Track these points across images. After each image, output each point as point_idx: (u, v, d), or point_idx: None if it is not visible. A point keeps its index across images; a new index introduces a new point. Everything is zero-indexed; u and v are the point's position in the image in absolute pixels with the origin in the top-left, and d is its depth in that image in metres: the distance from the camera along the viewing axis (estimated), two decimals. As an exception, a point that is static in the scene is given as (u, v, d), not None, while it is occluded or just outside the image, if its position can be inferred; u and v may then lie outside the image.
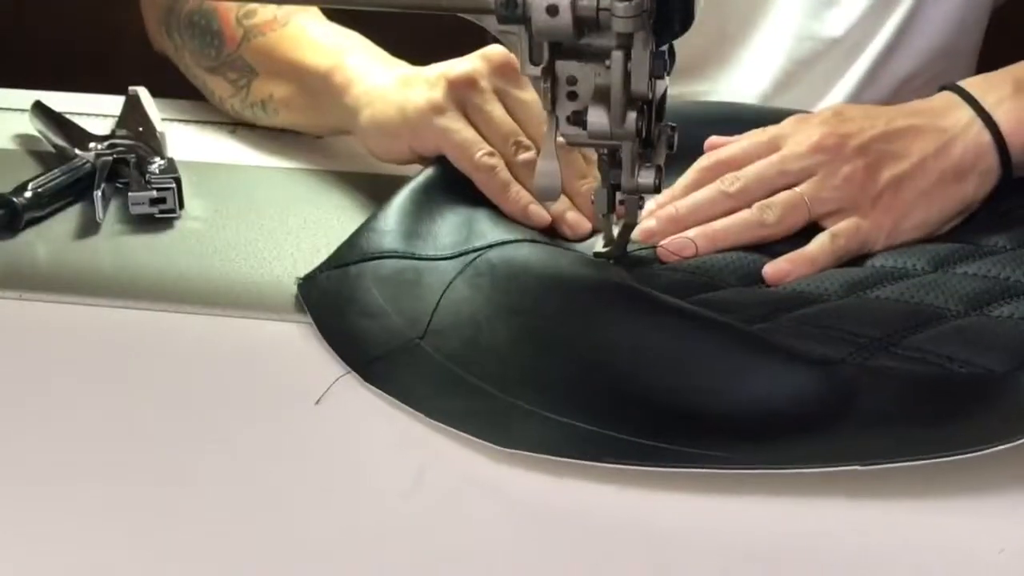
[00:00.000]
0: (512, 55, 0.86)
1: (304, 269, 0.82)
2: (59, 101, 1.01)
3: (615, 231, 0.81)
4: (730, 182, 0.83)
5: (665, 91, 0.75)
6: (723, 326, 0.70)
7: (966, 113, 0.85)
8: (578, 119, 0.72)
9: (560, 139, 0.73)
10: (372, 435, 0.70)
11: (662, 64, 0.71)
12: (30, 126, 1.00)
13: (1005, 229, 0.83)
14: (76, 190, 0.91)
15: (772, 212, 0.81)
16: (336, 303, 0.77)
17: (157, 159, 0.92)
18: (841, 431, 0.65)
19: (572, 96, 0.72)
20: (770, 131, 0.86)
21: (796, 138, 0.84)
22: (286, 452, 0.68)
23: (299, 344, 0.76)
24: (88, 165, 0.92)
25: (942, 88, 0.88)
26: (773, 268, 0.80)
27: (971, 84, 0.87)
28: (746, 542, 0.62)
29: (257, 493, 0.65)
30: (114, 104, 1.00)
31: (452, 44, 0.89)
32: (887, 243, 0.82)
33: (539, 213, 0.83)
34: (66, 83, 1.09)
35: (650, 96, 0.71)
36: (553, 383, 0.69)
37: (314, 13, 1.00)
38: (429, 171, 0.85)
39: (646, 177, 0.74)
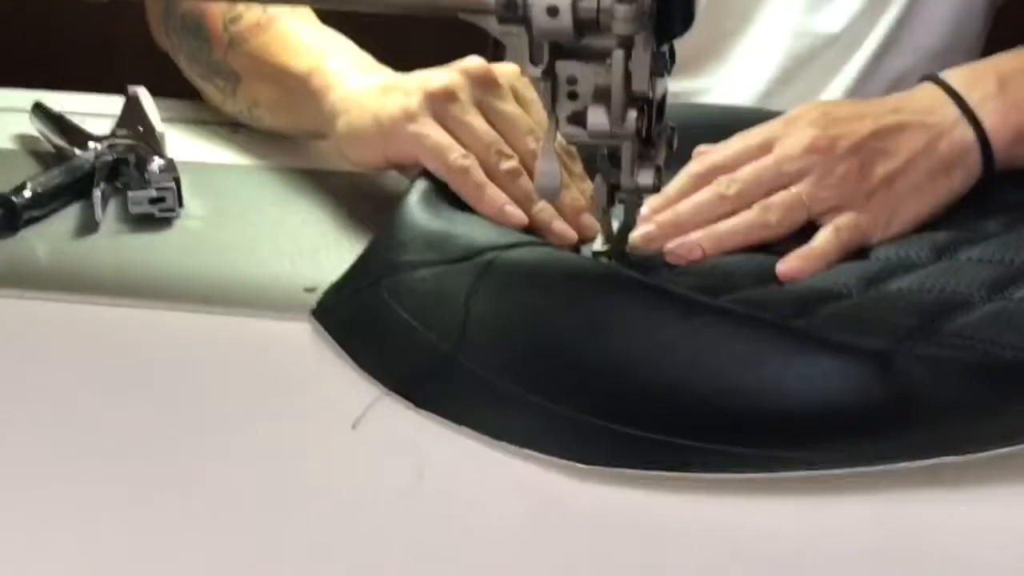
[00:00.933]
0: (491, 67, 0.86)
1: (303, 269, 0.83)
2: (59, 101, 1.01)
3: (614, 231, 0.81)
4: (727, 185, 0.83)
5: (665, 91, 0.75)
6: (768, 324, 0.70)
7: (952, 110, 0.86)
8: (578, 119, 0.72)
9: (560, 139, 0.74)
10: (372, 435, 0.70)
11: (663, 63, 0.71)
12: (30, 126, 1.00)
13: (991, 214, 0.85)
14: (75, 190, 0.91)
15: (774, 213, 0.82)
16: (359, 326, 0.75)
17: (157, 159, 0.92)
18: (906, 424, 0.65)
19: (572, 96, 0.72)
20: (760, 133, 0.86)
21: (788, 140, 0.84)
22: (285, 451, 0.68)
23: (299, 343, 0.76)
24: (88, 165, 0.92)
25: (924, 78, 0.89)
26: (787, 265, 0.80)
27: (955, 78, 0.88)
28: (745, 542, 0.62)
29: (256, 492, 0.65)
30: (114, 104, 1.00)
31: (452, 45, 0.89)
32: (883, 236, 0.83)
33: (515, 213, 0.82)
34: (66, 83, 1.09)
35: (650, 95, 0.71)
36: (599, 391, 0.68)
37: (302, 13, 1.00)
38: (422, 182, 0.84)
39: (645, 177, 0.75)
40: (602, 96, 0.70)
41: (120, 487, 0.65)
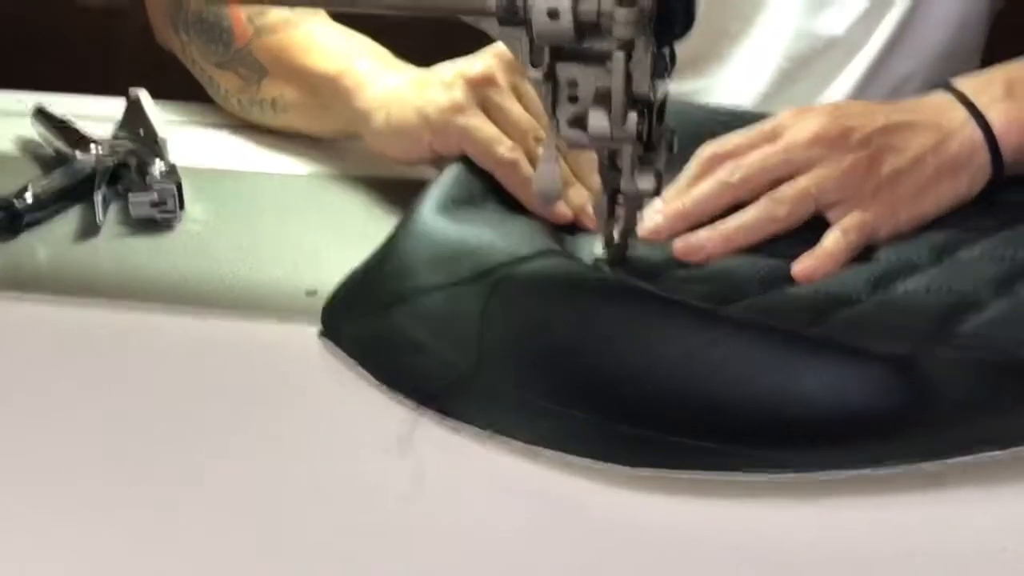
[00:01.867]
0: None
1: (304, 272, 0.83)
2: (60, 104, 1.01)
3: (615, 234, 0.81)
4: (731, 171, 0.83)
5: (666, 93, 0.75)
6: (788, 332, 0.70)
7: (961, 112, 0.87)
8: (579, 122, 0.72)
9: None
10: (372, 435, 0.70)
11: (663, 65, 0.71)
12: (31, 129, 1.00)
13: (987, 212, 0.85)
14: (76, 193, 0.91)
15: (782, 206, 0.81)
16: (375, 346, 0.75)
17: (158, 162, 0.92)
18: (927, 426, 0.65)
19: (573, 99, 0.72)
20: (768, 123, 0.86)
21: (796, 128, 0.84)
22: (286, 453, 0.68)
23: (299, 346, 0.76)
24: (89, 168, 0.91)
25: (934, 87, 0.90)
26: (801, 266, 0.80)
27: (964, 84, 0.89)
28: (745, 544, 0.62)
29: (256, 494, 0.65)
30: (115, 107, 1.00)
31: (452, 47, 0.89)
32: (887, 235, 0.83)
33: (560, 211, 0.83)
34: (67, 86, 1.09)
35: (651, 97, 0.71)
36: (624, 398, 0.68)
37: (322, 17, 1.01)
38: (442, 181, 0.84)
39: (646, 182, 0.74)
40: (603, 99, 0.70)
41: (120, 490, 0.65)
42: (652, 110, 0.73)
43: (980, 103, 0.87)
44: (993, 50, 0.94)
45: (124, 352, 0.76)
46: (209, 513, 0.64)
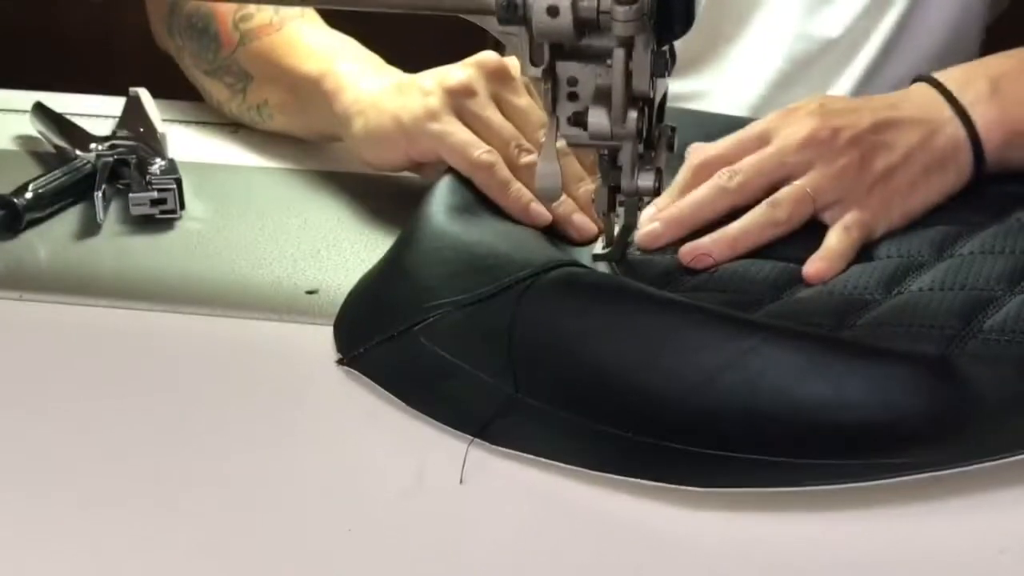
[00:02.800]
0: (506, 61, 0.87)
1: (304, 270, 0.83)
2: (60, 102, 1.01)
3: (615, 232, 0.81)
4: (728, 176, 0.83)
5: (665, 92, 0.75)
6: (820, 338, 0.69)
7: (945, 109, 0.86)
8: (579, 120, 0.72)
9: (561, 141, 0.73)
10: (372, 435, 0.70)
11: (663, 63, 0.71)
12: (31, 127, 1.00)
13: (977, 205, 0.85)
14: (77, 191, 0.91)
15: (782, 210, 0.81)
16: (402, 370, 0.73)
17: (158, 160, 0.92)
18: (971, 424, 0.65)
19: (573, 97, 0.72)
20: (757, 126, 0.86)
21: (787, 131, 0.84)
22: (286, 452, 0.68)
23: (299, 345, 0.76)
24: (89, 166, 0.92)
25: (917, 79, 0.90)
26: (814, 268, 0.79)
27: (948, 79, 0.88)
28: (745, 549, 0.62)
29: (257, 493, 0.65)
30: (115, 105, 1.00)
31: (452, 45, 0.89)
32: (883, 231, 0.83)
33: (540, 212, 0.83)
34: (67, 84, 1.09)
35: (651, 95, 0.71)
36: (660, 412, 0.67)
37: (311, 17, 1.00)
38: (440, 190, 0.83)
39: (646, 179, 0.74)
40: (603, 97, 0.70)
41: (120, 488, 0.65)
42: (652, 108, 0.73)
43: (965, 100, 0.87)
44: (992, 50, 0.94)
45: (124, 350, 0.76)
46: (209, 511, 0.64)
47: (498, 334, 0.71)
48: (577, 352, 0.69)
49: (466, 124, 0.85)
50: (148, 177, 0.90)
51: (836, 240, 0.81)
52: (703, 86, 1.11)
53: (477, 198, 0.83)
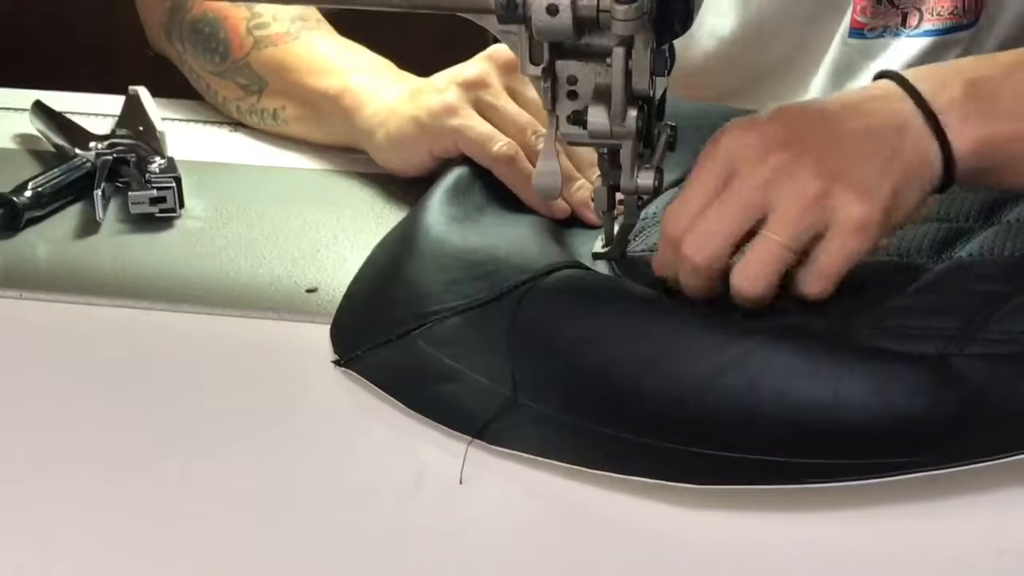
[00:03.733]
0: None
1: (304, 269, 0.83)
2: (59, 100, 1.01)
3: (615, 230, 0.81)
4: (697, 250, 0.73)
5: (665, 91, 0.75)
6: (820, 339, 0.69)
7: (917, 119, 0.75)
8: (578, 118, 0.72)
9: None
10: (372, 435, 0.70)
11: (663, 62, 0.71)
12: (30, 126, 1.00)
13: (964, 206, 0.83)
14: (76, 189, 0.91)
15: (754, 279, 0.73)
16: (402, 374, 0.72)
17: (157, 158, 0.92)
18: (970, 425, 0.64)
19: (572, 95, 0.72)
20: (716, 159, 0.74)
21: (746, 171, 0.73)
22: (286, 452, 0.68)
23: (299, 344, 0.76)
24: (88, 164, 0.92)
25: (883, 75, 0.78)
26: (819, 288, 0.73)
27: (920, 81, 0.76)
28: (745, 549, 0.62)
29: (257, 493, 0.65)
30: (114, 103, 1.00)
31: (452, 44, 0.89)
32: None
33: (559, 207, 0.84)
34: (66, 83, 1.09)
35: (651, 94, 0.71)
36: (661, 415, 0.67)
37: (324, 26, 1.01)
38: (439, 188, 0.83)
39: (645, 178, 0.74)
40: (602, 95, 0.70)
41: (120, 487, 0.65)
42: (651, 107, 0.73)
43: (937, 106, 0.75)
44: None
45: (123, 349, 0.76)
46: (207, 510, 0.64)
47: (497, 339, 0.71)
48: (576, 356, 0.70)
49: (483, 115, 0.86)
50: (147, 176, 0.90)
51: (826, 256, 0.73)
52: None
53: (477, 204, 0.83)
